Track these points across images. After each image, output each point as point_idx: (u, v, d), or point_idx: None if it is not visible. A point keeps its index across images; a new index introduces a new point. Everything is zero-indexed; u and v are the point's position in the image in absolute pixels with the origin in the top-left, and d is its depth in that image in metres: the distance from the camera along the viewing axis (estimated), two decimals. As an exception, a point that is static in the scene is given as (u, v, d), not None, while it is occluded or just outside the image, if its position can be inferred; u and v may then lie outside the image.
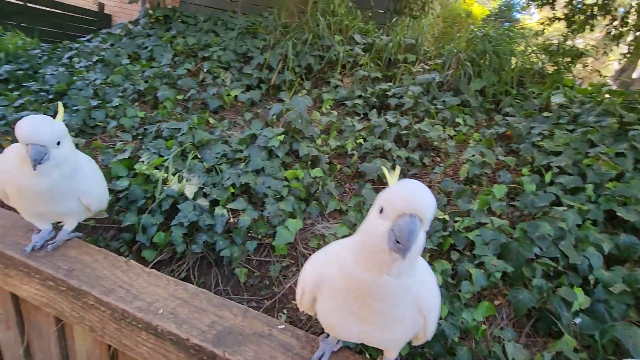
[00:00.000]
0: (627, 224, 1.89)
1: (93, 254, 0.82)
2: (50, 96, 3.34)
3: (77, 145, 2.77)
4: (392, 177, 0.70)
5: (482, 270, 1.74)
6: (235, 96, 3.35)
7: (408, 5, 5.50)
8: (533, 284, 1.66)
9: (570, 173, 2.18)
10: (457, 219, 2.06)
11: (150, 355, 0.67)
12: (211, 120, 3.08)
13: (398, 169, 0.73)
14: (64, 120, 2.97)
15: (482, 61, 3.35)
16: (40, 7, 6.41)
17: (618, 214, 1.89)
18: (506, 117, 2.90)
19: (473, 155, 2.43)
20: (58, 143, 0.81)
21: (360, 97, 3.31)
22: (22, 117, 2.65)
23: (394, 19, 5.19)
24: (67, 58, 4.13)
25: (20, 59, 4.15)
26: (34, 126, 0.76)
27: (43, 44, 5.00)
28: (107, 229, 2.29)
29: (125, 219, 2.13)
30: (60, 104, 1.01)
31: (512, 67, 3.35)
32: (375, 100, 3.22)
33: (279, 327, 0.66)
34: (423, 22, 5.84)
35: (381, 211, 0.59)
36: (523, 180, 2.18)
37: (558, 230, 1.80)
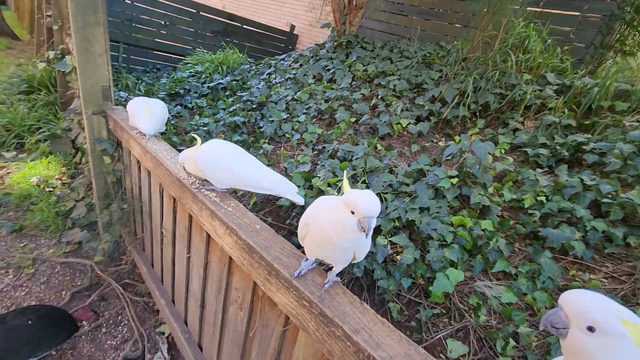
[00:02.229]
0: None
1: (334, 287, 0.98)
2: (254, 106, 4.12)
3: (267, 151, 3.35)
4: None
5: None
6: (405, 126, 3.44)
7: (621, 40, 4.58)
8: None
9: None
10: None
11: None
12: (378, 147, 3.25)
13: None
14: (260, 127, 3.58)
15: None
16: (249, 28, 8.01)
17: None
18: None
19: None
20: None
21: (545, 145, 2.94)
22: (234, 121, 3.34)
23: (598, 55, 4.41)
24: (267, 74, 5.03)
25: (235, 71, 5.27)
26: (376, 203, 0.88)
27: (249, 59, 6.23)
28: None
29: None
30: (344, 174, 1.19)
31: None
32: (567, 153, 2.80)
33: None
34: (640, 59, 4.77)
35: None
36: None
37: None
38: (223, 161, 1.31)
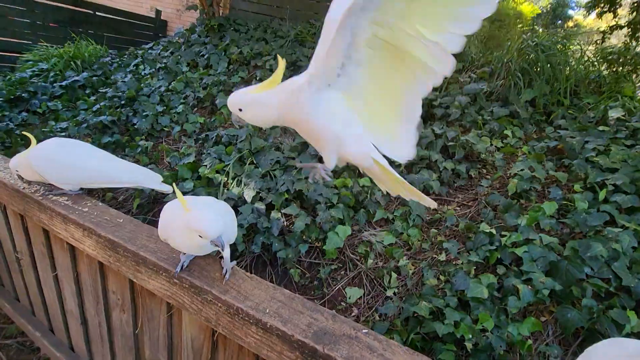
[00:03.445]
0: (689, 248, 1.84)
1: (204, 258, 1.00)
2: (122, 102, 3.72)
3: (146, 149, 3.10)
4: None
5: (529, 287, 1.79)
6: (286, 104, 3.54)
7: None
8: (583, 303, 1.68)
9: (627, 192, 2.13)
10: (504, 233, 2.10)
11: (257, 344, 0.84)
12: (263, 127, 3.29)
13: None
14: (134, 124, 3.26)
15: (533, 70, 3.29)
16: (106, 15, 7.01)
17: (678, 237, 1.85)
18: (558, 130, 2.85)
19: (522, 170, 2.44)
20: None
21: (406, 106, 3.37)
22: (100, 121, 2.97)
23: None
24: (134, 65, 4.55)
25: (94, 66, 4.63)
26: (220, 225, 0.87)
27: (110, 51, 5.51)
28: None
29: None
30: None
31: (565, 76, 3.26)
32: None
33: (363, 331, 0.79)
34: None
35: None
36: (575, 197, 2.17)
37: (612, 251, 1.80)
38: (63, 157, 1.17)
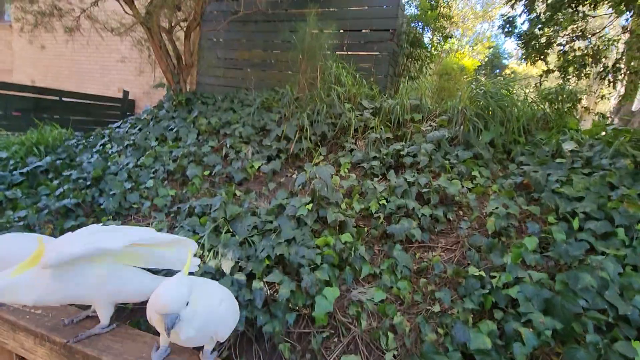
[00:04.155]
0: (668, 266, 1.88)
1: (182, 352, 0.88)
2: (88, 182, 3.59)
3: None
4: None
5: (531, 329, 1.71)
6: (258, 167, 3.56)
7: (406, 69, 5.97)
8: (587, 340, 1.62)
9: (597, 218, 2.21)
10: (493, 274, 2.06)
11: None
12: (237, 193, 3.24)
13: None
14: (100, 205, 3.10)
15: (487, 113, 3.56)
16: (71, 100, 7.09)
17: (656, 257, 1.88)
18: (521, 166, 3.00)
19: (497, 208, 2.49)
20: (187, 303, 0.81)
21: (375, 158, 3.48)
22: (64, 205, 2.80)
23: (395, 82, 5.61)
24: (101, 145, 4.49)
25: (58, 149, 4.53)
26: (168, 301, 0.78)
27: (76, 133, 5.46)
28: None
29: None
30: (190, 249, 1.06)
31: (516, 117, 3.54)
32: (391, 160, 3.38)
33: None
34: (422, 82, 6.27)
35: None
36: (552, 229, 2.21)
37: (600, 280, 1.79)
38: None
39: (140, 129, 4.75)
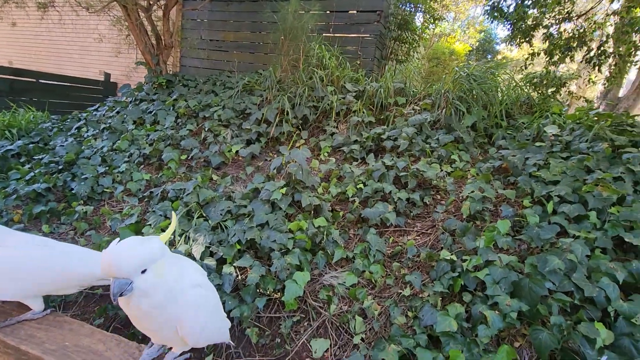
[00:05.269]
0: (638, 248, 1.87)
1: (105, 342, 0.83)
2: (60, 167, 3.48)
3: (85, 213, 2.85)
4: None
5: (497, 312, 1.70)
6: (237, 151, 3.48)
7: (393, 52, 5.84)
8: (552, 321, 1.61)
9: (572, 201, 2.19)
10: (465, 257, 2.04)
11: None
12: (214, 177, 3.17)
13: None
14: (72, 189, 2.99)
15: (470, 97, 3.50)
16: (49, 82, 6.84)
17: (626, 239, 1.88)
18: (500, 150, 2.97)
19: (472, 192, 2.46)
20: (143, 271, 0.74)
21: (356, 142, 3.42)
22: (33, 190, 2.70)
23: (382, 65, 5.50)
24: (76, 128, 4.35)
25: (32, 132, 4.37)
26: (115, 260, 0.72)
27: (53, 116, 5.28)
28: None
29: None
30: (174, 215, 0.92)
31: (499, 100, 3.49)
32: (372, 144, 3.32)
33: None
34: (409, 65, 6.16)
35: None
36: (526, 212, 2.20)
37: (568, 262, 1.78)
38: None
39: (117, 112, 4.61)
